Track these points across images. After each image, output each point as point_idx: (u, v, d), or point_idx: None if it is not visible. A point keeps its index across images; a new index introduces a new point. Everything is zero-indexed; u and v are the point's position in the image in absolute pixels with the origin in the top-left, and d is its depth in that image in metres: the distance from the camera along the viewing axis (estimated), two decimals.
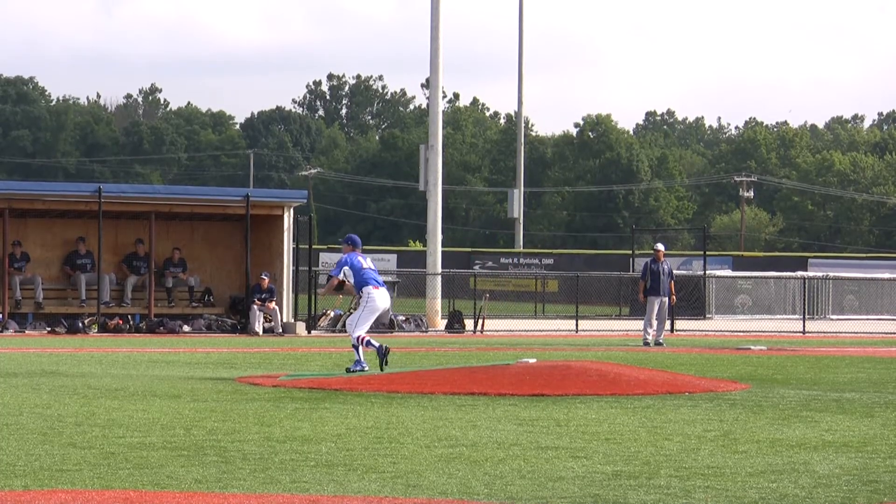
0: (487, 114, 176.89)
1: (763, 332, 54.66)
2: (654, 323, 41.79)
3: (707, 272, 64.11)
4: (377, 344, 25.27)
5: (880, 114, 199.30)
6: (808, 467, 13.58)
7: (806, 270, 74.52)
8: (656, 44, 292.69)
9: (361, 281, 26.04)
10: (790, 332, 55.53)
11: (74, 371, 27.88)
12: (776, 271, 78.24)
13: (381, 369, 25.14)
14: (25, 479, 12.07)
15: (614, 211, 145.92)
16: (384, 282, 27.50)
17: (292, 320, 45.62)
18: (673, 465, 13.73)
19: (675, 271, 47.07)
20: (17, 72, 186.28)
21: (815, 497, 11.78)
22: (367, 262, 26.67)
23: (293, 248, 45.67)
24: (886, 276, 71.19)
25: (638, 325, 45.93)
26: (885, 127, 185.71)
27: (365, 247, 29.30)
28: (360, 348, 25.90)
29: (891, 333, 53.86)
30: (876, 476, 13.15)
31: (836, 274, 71.90)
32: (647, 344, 40.31)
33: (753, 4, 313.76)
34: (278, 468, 13.36)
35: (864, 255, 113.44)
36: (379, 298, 26.32)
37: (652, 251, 44.67)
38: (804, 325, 54.85)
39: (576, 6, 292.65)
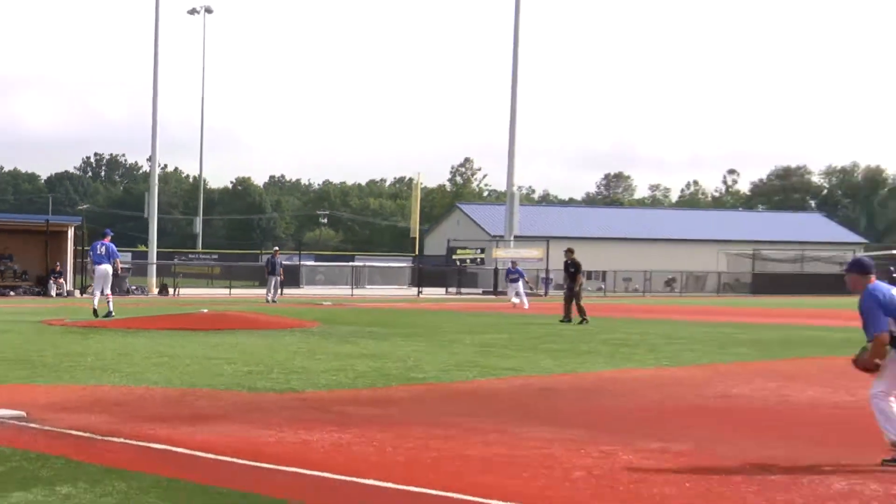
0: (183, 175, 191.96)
1: (330, 294, 69.96)
2: (273, 290, 60.06)
3: (301, 262, 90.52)
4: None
5: None
6: (353, 367, 21.61)
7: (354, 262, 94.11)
8: None
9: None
10: (344, 295, 67.68)
11: None
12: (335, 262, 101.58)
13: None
14: None
15: (253, 231, 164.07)
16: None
17: (73, 289, 67.24)
18: (281, 366, 21.49)
19: (284, 262, 67.10)
20: None
21: (356, 383, 19.04)
22: (100, 248, 38.52)
23: (74, 249, 68.57)
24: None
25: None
26: None
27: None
28: (111, 302, 37.77)
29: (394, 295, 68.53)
30: (387, 371, 20.82)
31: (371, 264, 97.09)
32: (267, 302, 56.83)
33: None
34: (65, 371, 20.38)
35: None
36: (97, 271, 38.38)
37: (272, 251, 64.19)
38: (352, 291, 72.98)
39: None
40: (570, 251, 43.11)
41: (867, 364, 12.04)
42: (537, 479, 10.57)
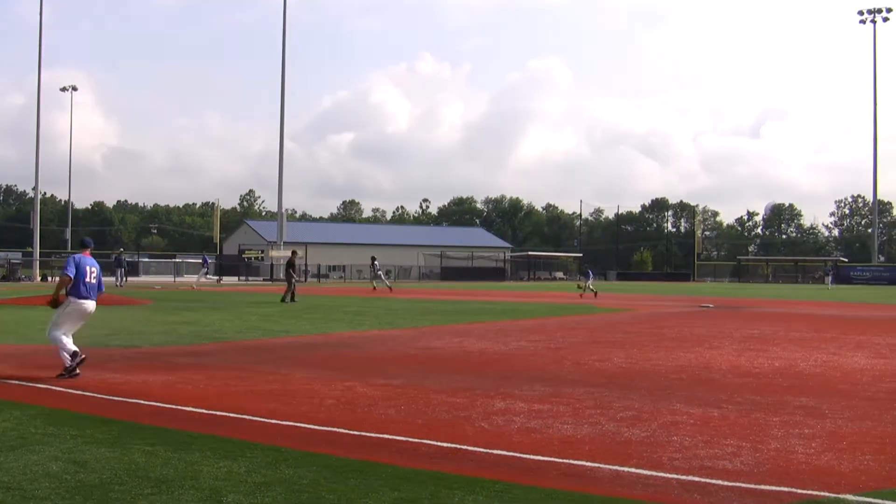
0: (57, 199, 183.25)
1: (160, 281, 67.09)
2: (119, 279, 56.51)
3: (140, 259, 78.44)
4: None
5: None
6: (176, 330, 21.27)
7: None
8: None
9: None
10: (168, 282, 63.88)
11: None
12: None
13: None
14: None
15: (107, 238, 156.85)
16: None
17: None
18: (126, 330, 21.10)
19: (128, 259, 61.43)
20: None
21: (179, 341, 18.91)
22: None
23: None
24: None
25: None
26: None
27: None
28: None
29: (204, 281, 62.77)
30: (200, 333, 20.68)
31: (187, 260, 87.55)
32: (116, 287, 48.98)
33: None
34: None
35: None
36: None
37: (118, 251, 58.58)
38: (174, 279, 65.37)
39: None
40: (294, 252, 42.20)
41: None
42: (303, 405, 10.52)
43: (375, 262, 55.00)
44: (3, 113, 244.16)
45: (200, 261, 64.38)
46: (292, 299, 37.08)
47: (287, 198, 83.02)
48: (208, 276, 58.49)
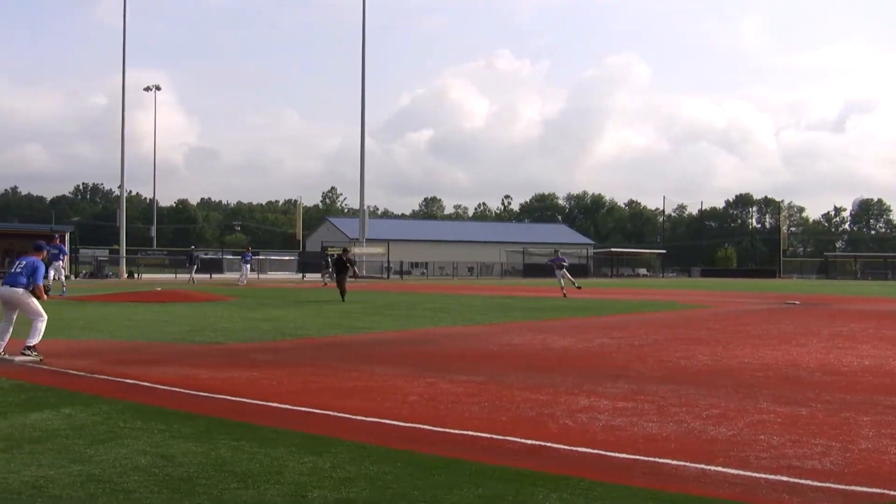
0: (142, 197, 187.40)
1: None
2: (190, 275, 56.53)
3: (223, 256, 79.94)
4: None
5: None
6: (259, 327, 21.46)
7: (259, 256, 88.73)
8: None
9: None
10: (252, 278, 64.33)
11: None
12: None
13: None
14: None
15: (190, 235, 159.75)
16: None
17: (69, 275, 59.35)
18: (210, 327, 21.32)
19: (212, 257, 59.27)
20: None
21: (262, 338, 19.15)
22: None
23: (69, 247, 59.59)
24: None
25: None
26: None
27: None
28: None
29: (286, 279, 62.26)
30: (282, 329, 20.87)
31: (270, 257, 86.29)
32: (190, 283, 50.34)
33: None
34: (63, 330, 19.48)
35: None
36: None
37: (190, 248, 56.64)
38: (258, 276, 66.72)
39: None
40: (346, 250, 41.26)
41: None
42: (386, 402, 10.55)
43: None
44: (87, 114, 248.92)
45: (241, 258, 64.12)
46: (342, 298, 35.04)
47: (367, 195, 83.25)
48: (245, 274, 58.37)
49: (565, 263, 44.95)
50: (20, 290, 14.49)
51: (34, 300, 14.60)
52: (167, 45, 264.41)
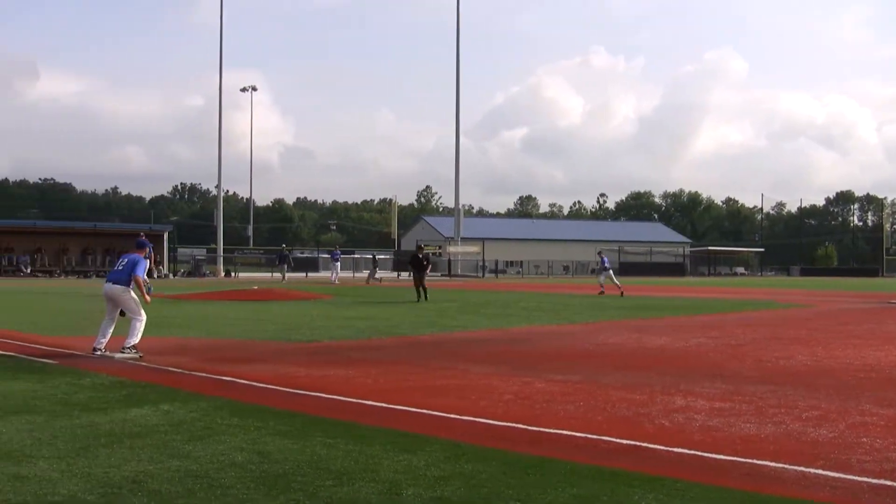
0: (239, 196, 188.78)
1: (338, 276, 64.82)
2: (283, 274, 57.94)
3: (319, 255, 79.89)
4: None
5: None
6: (354, 325, 21.60)
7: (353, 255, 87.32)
8: None
9: None
10: (347, 277, 64.22)
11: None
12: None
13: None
14: None
15: (286, 234, 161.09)
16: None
17: (167, 273, 66.14)
18: (306, 325, 21.47)
19: (308, 256, 60.23)
20: None
21: (357, 336, 19.20)
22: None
23: (168, 246, 66.90)
24: None
25: None
26: None
27: None
28: None
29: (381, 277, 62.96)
30: (377, 328, 21.11)
31: (365, 256, 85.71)
32: (282, 281, 49.87)
33: None
34: (164, 327, 19.80)
35: None
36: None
37: (281, 247, 56.79)
38: (353, 274, 65.95)
39: None
40: (420, 248, 39.48)
41: None
42: (481, 400, 10.53)
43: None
44: (184, 115, 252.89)
45: (330, 256, 64.17)
46: (425, 297, 33.99)
47: (462, 194, 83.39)
48: (337, 273, 58.51)
49: (607, 266, 44.13)
50: (120, 288, 14.80)
51: (134, 298, 14.87)
52: (262, 46, 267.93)
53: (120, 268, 15.05)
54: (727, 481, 6.96)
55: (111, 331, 14.86)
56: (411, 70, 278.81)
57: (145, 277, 14.94)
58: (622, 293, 40.36)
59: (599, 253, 44.61)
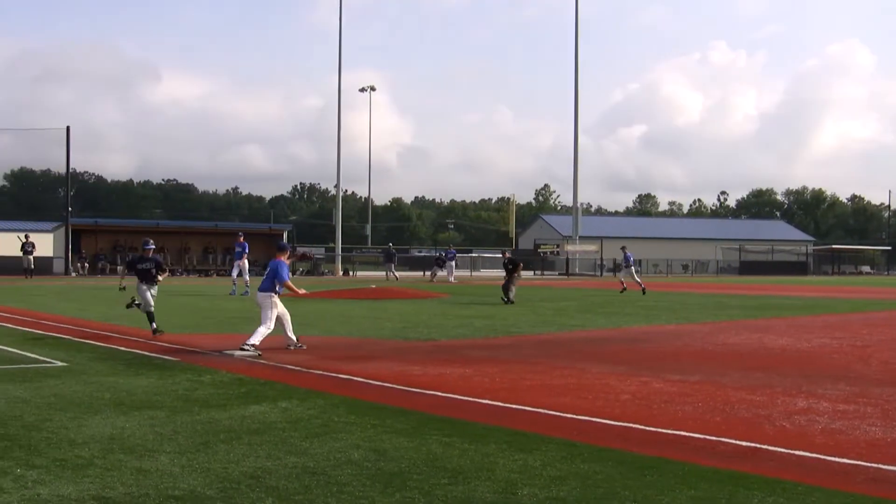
0: (357, 196, 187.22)
1: (456, 275, 69.62)
2: (390, 272, 59.61)
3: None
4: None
5: None
6: (472, 324, 21.68)
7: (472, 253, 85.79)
8: None
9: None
10: (465, 276, 64.05)
11: None
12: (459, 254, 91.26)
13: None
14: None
15: (404, 234, 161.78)
16: None
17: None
18: (424, 323, 21.60)
19: (424, 255, 60.32)
20: None
21: (475, 334, 19.30)
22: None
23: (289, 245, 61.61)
24: None
25: None
26: None
27: None
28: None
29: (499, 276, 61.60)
30: (495, 327, 21.25)
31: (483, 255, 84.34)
32: (387, 280, 49.88)
33: None
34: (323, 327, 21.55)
35: None
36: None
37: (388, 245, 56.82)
38: (471, 273, 65.45)
39: None
40: (504, 253, 39.09)
41: None
42: (598, 400, 10.49)
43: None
44: (303, 116, 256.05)
45: (443, 255, 63.42)
46: (509, 299, 31.65)
47: (579, 192, 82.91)
48: (451, 271, 57.96)
49: (630, 262, 42.69)
50: (263, 294, 15.49)
51: (270, 306, 15.37)
52: (379, 46, 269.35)
53: (265, 275, 15.85)
54: (851, 486, 6.81)
55: (286, 327, 15.65)
56: (529, 68, 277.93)
57: (287, 276, 15.56)
58: (644, 290, 39.55)
59: (623, 248, 43.64)
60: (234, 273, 35.67)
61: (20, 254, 53.05)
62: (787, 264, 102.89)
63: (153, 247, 18.96)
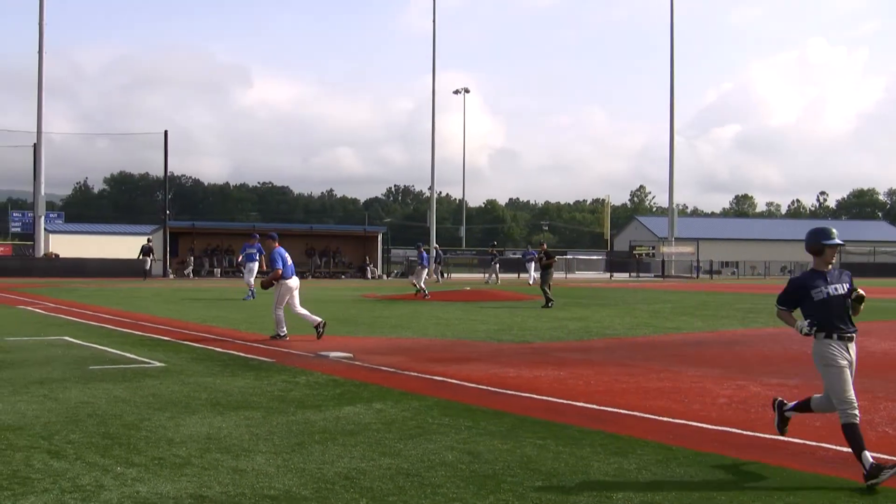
0: (451, 198, 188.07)
1: None
2: (438, 275, 57.52)
3: None
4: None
5: None
6: (566, 326, 21.63)
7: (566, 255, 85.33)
8: None
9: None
10: (560, 278, 63.24)
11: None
12: None
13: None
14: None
15: (497, 235, 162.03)
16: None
17: (381, 274, 66.68)
18: (517, 326, 21.62)
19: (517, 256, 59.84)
20: None
21: (569, 337, 19.28)
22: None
23: (381, 247, 67.77)
24: None
25: None
26: None
27: None
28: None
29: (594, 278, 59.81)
30: (590, 329, 21.39)
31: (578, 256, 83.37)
32: (487, 283, 51.27)
33: None
34: (376, 327, 20.69)
35: None
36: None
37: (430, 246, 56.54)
38: (566, 276, 64.32)
39: None
40: (541, 245, 35.99)
41: None
42: (694, 404, 10.39)
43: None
44: (394, 118, 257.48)
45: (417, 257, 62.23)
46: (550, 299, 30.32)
47: (675, 193, 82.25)
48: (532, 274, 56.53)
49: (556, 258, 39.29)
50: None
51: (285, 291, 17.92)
52: (471, 49, 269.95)
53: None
54: None
55: (307, 314, 17.71)
56: (622, 69, 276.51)
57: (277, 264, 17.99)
58: None
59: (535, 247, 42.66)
60: (250, 278, 33.02)
61: (139, 256, 54.93)
62: (889, 266, 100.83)
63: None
